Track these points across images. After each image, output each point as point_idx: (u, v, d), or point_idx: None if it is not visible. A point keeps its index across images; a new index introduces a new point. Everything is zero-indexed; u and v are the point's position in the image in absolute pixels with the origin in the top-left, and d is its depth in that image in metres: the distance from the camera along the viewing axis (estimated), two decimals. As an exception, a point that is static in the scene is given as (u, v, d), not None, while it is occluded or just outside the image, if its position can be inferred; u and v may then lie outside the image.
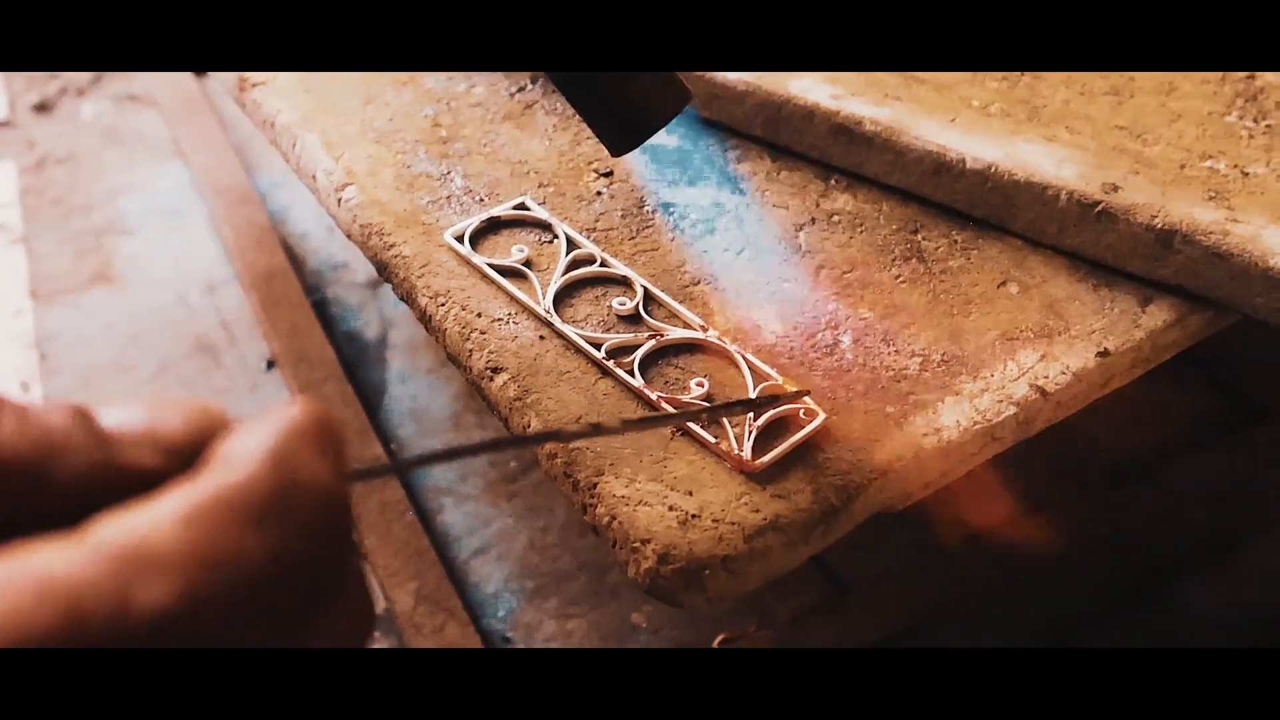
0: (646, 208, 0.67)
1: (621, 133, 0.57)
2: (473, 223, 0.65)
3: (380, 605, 0.81)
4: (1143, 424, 0.93)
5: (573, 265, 0.62)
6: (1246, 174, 0.65)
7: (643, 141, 0.57)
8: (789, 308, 0.61)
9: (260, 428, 0.24)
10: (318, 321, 1.03)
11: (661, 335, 0.58)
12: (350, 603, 0.24)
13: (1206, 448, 0.92)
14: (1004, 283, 0.63)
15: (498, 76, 0.77)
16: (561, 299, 0.61)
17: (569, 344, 0.58)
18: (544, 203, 0.67)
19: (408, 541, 0.84)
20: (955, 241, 0.65)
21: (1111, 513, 0.88)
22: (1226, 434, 0.93)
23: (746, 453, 0.52)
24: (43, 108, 1.33)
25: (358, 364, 1.02)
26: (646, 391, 0.55)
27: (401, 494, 0.87)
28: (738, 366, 0.57)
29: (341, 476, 0.24)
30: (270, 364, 1.02)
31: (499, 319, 0.60)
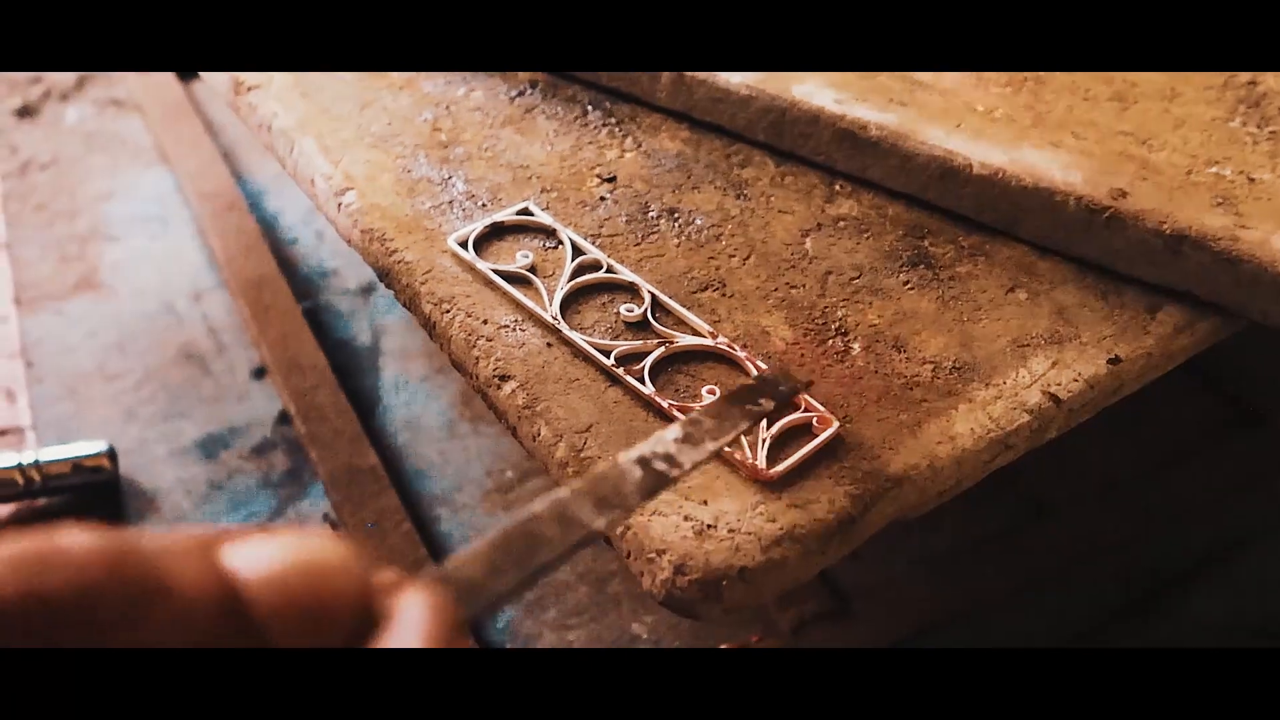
0: (651, 213, 0.66)
1: None
2: (476, 228, 0.64)
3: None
4: (1143, 431, 0.93)
5: (578, 271, 0.62)
6: (1253, 180, 0.65)
7: None
8: (797, 314, 0.60)
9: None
10: (309, 329, 1.01)
11: (671, 342, 0.57)
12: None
13: (1206, 455, 0.92)
14: (1013, 289, 0.62)
15: (496, 80, 0.76)
16: (568, 305, 0.60)
17: (577, 351, 0.57)
18: (547, 208, 0.66)
19: (405, 552, 0.83)
20: (963, 247, 0.65)
21: (1114, 522, 0.88)
22: (1226, 441, 0.93)
23: (761, 461, 0.51)
24: (26, 112, 1.31)
25: (350, 372, 1.00)
26: (658, 399, 0.54)
27: (397, 503, 0.86)
28: (748, 373, 0.56)
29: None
30: (260, 372, 1.00)
31: (505, 326, 0.59)
